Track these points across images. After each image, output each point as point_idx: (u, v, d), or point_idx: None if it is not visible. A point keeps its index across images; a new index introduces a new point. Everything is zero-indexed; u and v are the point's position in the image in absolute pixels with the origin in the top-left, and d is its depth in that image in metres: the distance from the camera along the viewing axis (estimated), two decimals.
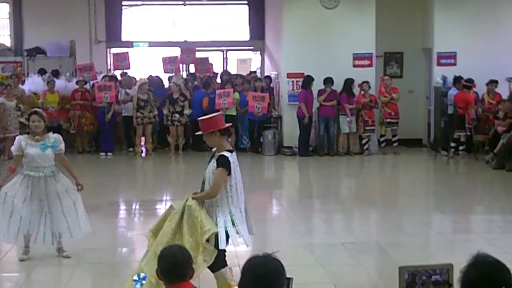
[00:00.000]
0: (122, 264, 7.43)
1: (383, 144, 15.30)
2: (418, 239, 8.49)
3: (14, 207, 7.12)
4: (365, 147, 15.17)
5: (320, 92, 14.91)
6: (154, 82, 16.48)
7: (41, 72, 16.51)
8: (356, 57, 15.34)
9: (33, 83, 15.61)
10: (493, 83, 14.69)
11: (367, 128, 15.05)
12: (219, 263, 5.65)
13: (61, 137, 7.44)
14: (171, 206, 5.91)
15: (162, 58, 17.02)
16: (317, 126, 15.17)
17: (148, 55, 19.08)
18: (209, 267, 5.64)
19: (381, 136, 15.32)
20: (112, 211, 10.15)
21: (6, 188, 7.18)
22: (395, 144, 15.26)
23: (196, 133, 6.20)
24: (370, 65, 15.41)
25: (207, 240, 5.56)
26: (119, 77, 16.68)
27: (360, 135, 15.21)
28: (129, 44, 18.17)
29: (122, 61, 16.79)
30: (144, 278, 5.26)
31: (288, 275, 3.10)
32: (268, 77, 16.86)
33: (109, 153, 15.14)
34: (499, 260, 2.97)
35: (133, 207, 10.59)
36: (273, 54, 17.33)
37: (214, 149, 5.88)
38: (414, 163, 14.77)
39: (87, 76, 15.94)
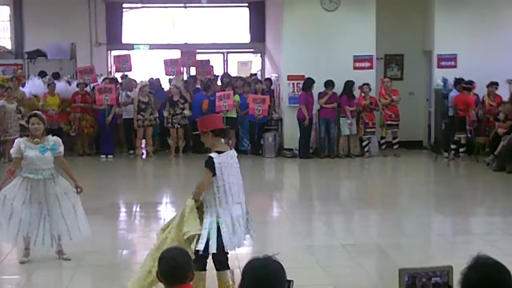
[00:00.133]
0: (123, 266, 7.44)
1: (383, 146, 15.31)
2: (418, 241, 8.48)
3: (13, 209, 7.12)
4: (366, 149, 15.17)
5: (321, 95, 14.91)
6: (153, 84, 16.50)
7: (42, 74, 16.53)
8: (357, 59, 15.34)
9: (33, 86, 15.63)
10: (493, 85, 14.70)
11: (367, 130, 15.05)
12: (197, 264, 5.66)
13: (60, 140, 7.43)
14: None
15: (164, 60, 17.03)
16: (317, 128, 15.17)
17: (149, 58, 19.08)
18: None
19: (382, 138, 15.32)
20: (113, 213, 10.15)
21: (5, 190, 7.18)
22: (396, 146, 15.26)
23: (193, 133, 6.25)
24: (370, 67, 15.42)
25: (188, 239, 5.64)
26: (119, 80, 16.71)
27: (361, 137, 15.21)
28: (130, 47, 18.17)
29: (123, 63, 16.80)
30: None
31: (288, 277, 3.10)
32: (269, 79, 16.87)
33: (109, 156, 15.15)
34: (499, 262, 2.97)
35: (134, 209, 10.59)
36: (274, 56, 17.34)
37: None
38: (414, 165, 14.77)
39: (87, 79, 15.95)
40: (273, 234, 8.93)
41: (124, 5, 18.56)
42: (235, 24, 19.14)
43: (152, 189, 12.67)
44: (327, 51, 15.15)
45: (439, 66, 15.51)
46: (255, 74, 18.19)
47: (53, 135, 7.57)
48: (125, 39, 18.44)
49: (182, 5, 18.83)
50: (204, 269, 5.77)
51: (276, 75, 16.63)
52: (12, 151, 7.33)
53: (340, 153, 15.12)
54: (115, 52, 17.86)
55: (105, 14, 18.10)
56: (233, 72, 18.94)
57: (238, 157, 5.92)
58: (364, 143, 15.20)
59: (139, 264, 7.53)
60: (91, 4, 17.86)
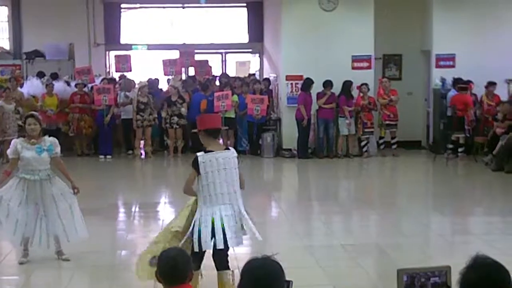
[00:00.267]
0: (122, 267, 7.43)
1: (382, 146, 15.31)
2: (417, 241, 8.49)
3: (9, 210, 7.12)
4: (364, 149, 15.18)
5: (319, 95, 14.92)
6: (152, 85, 16.50)
7: (40, 75, 16.51)
8: (355, 59, 15.35)
9: (31, 86, 15.62)
10: (491, 85, 14.71)
11: (366, 130, 15.06)
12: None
13: (57, 141, 7.42)
14: None
15: (162, 60, 17.03)
16: (316, 128, 15.18)
17: (147, 58, 19.07)
18: None
19: (380, 138, 15.33)
20: (112, 213, 10.14)
21: (1, 191, 7.18)
22: (394, 146, 15.27)
23: (192, 130, 6.30)
24: (369, 67, 15.43)
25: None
26: (117, 80, 16.70)
27: (359, 137, 15.22)
28: (128, 47, 18.17)
29: (124, 63, 16.80)
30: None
31: (287, 277, 3.10)
32: (267, 79, 16.86)
33: (108, 156, 15.15)
34: (498, 261, 2.97)
35: (133, 209, 10.59)
36: (272, 56, 17.34)
37: None
38: (413, 165, 14.79)
39: (85, 79, 15.95)
40: (272, 234, 8.93)
41: (122, 5, 18.55)
42: (233, 24, 19.14)
43: (151, 190, 12.68)
44: (325, 51, 15.15)
45: (438, 66, 15.53)
46: (254, 74, 18.19)
47: (51, 136, 7.56)
48: (123, 40, 18.43)
49: (180, 5, 18.83)
50: (196, 269, 5.79)
51: (275, 75, 16.63)
52: (8, 152, 7.32)
53: (338, 153, 15.13)
54: (115, 53, 17.85)
55: (103, 14, 18.09)
56: (231, 72, 18.96)
57: (238, 158, 5.86)
58: (363, 143, 15.20)
59: None
60: (89, 5, 17.85)
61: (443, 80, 15.29)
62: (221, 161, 5.69)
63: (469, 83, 14.58)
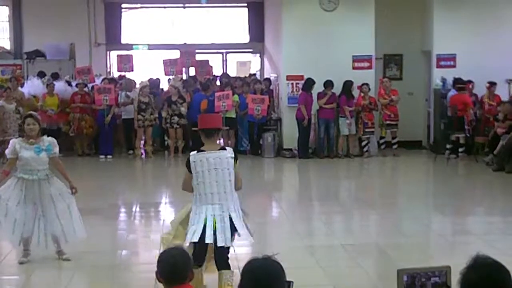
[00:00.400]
0: (122, 267, 7.43)
1: (382, 146, 15.31)
2: (418, 241, 8.49)
3: (8, 209, 7.12)
4: (365, 149, 15.18)
5: (320, 95, 14.92)
6: (153, 84, 16.50)
7: (41, 75, 16.52)
8: (356, 59, 15.35)
9: (32, 86, 15.62)
10: (492, 85, 14.71)
11: (366, 130, 15.06)
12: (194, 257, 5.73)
13: (55, 141, 7.41)
14: None
15: (163, 60, 17.04)
16: (317, 128, 15.18)
17: (148, 58, 19.07)
18: None
19: (381, 138, 15.33)
20: (112, 213, 10.14)
21: (0, 190, 7.18)
22: (395, 146, 15.27)
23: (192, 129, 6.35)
24: (369, 67, 15.43)
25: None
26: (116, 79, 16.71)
27: (360, 137, 15.22)
28: (129, 47, 18.17)
29: (125, 63, 16.81)
30: None
31: (288, 278, 3.10)
32: (268, 79, 16.87)
33: (108, 156, 15.15)
34: (498, 261, 2.97)
35: (133, 209, 10.59)
36: (273, 56, 17.34)
37: None
38: (414, 165, 14.78)
39: (85, 79, 15.95)
40: (272, 234, 8.93)
41: (123, 5, 18.55)
42: (234, 24, 19.14)
43: (152, 189, 12.69)
44: (326, 51, 15.15)
45: (438, 66, 15.53)
46: (254, 74, 18.19)
47: (52, 136, 7.56)
48: (124, 39, 18.44)
49: (181, 5, 18.83)
50: (201, 262, 5.84)
51: (275, 75, 16.63)
52: (7, 151, 7.31)
53: (339, 153, 15.13)
54: (117, 52, 17.85)
55: (104, 14, 18.09)
56: (232, 72, 18.95)
57: (233, 158, 5.76)
58: (363, 143, 15.20)
59: (138, 265, 7.58)
60: (90, 5, 17.86)
61: (443, 80, 15.29)
62: (211, 161, 5.69)
63: (467, 83, 14.58)
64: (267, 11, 17.97)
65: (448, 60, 15.46)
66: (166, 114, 15.20)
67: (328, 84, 14.79)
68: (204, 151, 5.76)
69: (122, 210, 10.79)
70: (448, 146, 14.23)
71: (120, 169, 14.40)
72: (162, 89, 16.82)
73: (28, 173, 7.14)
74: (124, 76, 16.80)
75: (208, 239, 5.63)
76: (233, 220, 5.71)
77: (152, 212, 10.49)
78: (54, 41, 17.59)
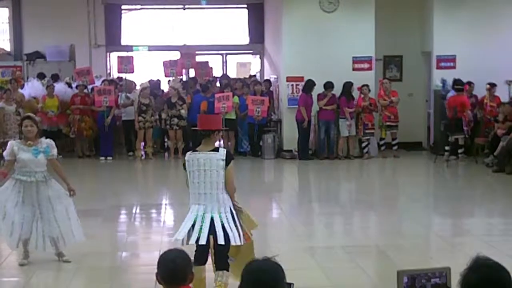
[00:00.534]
0: (122, 268, 7.44)
1: (383, 148, 15.31)
2: (418, 242, 8.49)
3: (5, 212, 7.11)
4: (365, 150, 15.18)
5: (320, 97, 14.93)
6: (153, 86, 16.52)
7: (41, 76, 16.52)
8: (356, 60, 15.36)
9: (32, 88, 15.62)
10: (492, 86, 14.70)
11: (366, 131, 15.06)
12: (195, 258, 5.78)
13: (53, 143, 7.40)
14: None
15: (163, 62, 17.04)
16: (317, 129, 15.18)
17: (148, 59, 19.07)
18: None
19: (381, 139, 15.32)
20: (112, 215, 10.13)
21: None
22: (395, 148, 15.26)
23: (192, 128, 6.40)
24: (369, 69, 15.43)
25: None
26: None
27: (360, 138, 15.22)
28: (129, 48, 18.17)
29: (126, 64, 16.80)
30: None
31: (288, 279, 3.10)
32: (268, 80, 16.87)
33: (108, 158, 15.15)
34: (499, 263, 2.97)
35: (133, 211, 10.58)
36: (273, 57, 17.35)
37: None
38: (414, 166, 14.78)
39: (84, 80, 15.95)
40: (272, 236, 8.92)
41: (123, 6, 18.56)
42: (234, 25, 19.14)
43: (152, 191, 12.68)
44: (326, 52, 15.15)
45: (438, 67, 15.53)
46: (254, 76, 18.18)
47: (52, 137, 7.56)
48: (124, 41, 18.44)
49: (181, 6, 18.84)
50: (201, 262, 5.87)
51: (275, 77, 16.64)
52: (5, 153, 7.29)
53: (339, 154, 15.13)
54: (117, 54, 17.84)
55: (104, 15, 18.09)
56: (232, 73, 18.96)
57: (224, 160, 5.74)
58: (364, 144, 15.20)
59: (138, 266, 7.58)
60: (90, 6, 17.87)
61: (443, 81, 15.28)
62: (201, 162, 5.75)
63: (465, 84, 14.57)
64: (267, 12, 17.98)
65: (448, 61, 15.46)
66: (166, 116, 15.21)
67: (328, 85, 14.79)
68: (197, 151, 5.85)
69: (122, 211, 10.78)
70: (446, 148, 14.22)
71: (120, 170, 14.40)
72: (162, 90, 16.82)
73: (26, 175, 7.13)
74: (121, 78, 16.82)
75: (192, 240, 5.71)
76: (214, 221, 5.72)
77: (152, 213, 10.48)
78: (54, 42, 17.61)
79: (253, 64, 19.75)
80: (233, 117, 15.25)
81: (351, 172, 14.41)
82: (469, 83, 14.80)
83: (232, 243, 5.74)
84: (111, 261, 7.63)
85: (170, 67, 16.87)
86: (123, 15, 18.60)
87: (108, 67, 18.41)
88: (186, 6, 18.77)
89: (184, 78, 17.61)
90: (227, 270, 5.84)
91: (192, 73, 17.83)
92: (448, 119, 14.37)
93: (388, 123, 15.14)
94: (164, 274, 3.58)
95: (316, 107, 15.01)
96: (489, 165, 13.47)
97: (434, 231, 9.24)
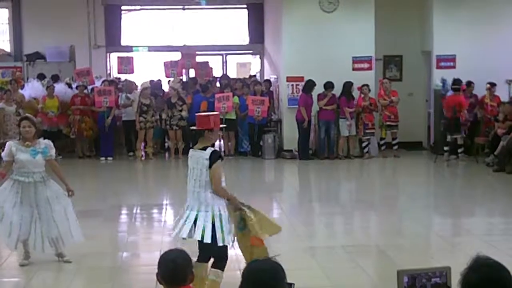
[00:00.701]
0: (123, 268, 7.44)
1: (383, 147, 15.31)
2: (418, 242, 8.49)
3: (4, 212, 7.11)
4: (365, 150, 15.18)
5: (320, 97, 14.93)
6: (154, 86, 16.52)
7: (41, 77, 16.52)
8: (356, 60, 15.35)
9: (32, 88, 15.61)
10: (492, 85, 14.70)
11: (367, 131, 15.06)
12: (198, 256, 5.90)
13: (51, 143, 7.40)
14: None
15: (164, 62, 17.04)
16: (317, 129, 15.18)
17: (148, 60, 19.07)
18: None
19: (381, 139, 15.32)
20: (113, 215, 10.14)
21: None
22: (395, 147, 15.26)
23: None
24: (369, 68, 15.43)
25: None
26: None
27: (360, 138, 15.22)
28: (129, 49, 18.17)
29: (126, 65, 16.81)
30: None
31: (288, 279, 3.10)
32: (268, 80, 16.87)
33: (109, 158, 15.15)
34: (499, 262, 2.97)
35: (134, 211, 10.58)
36: (273, 57, 17.35)
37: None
38: (414, 166, 14.77)
39: (84, 81, 15.96)
40: (273, 236, 8.91)
41: (123, 7, 18.55)
42: (234, 25, 19.14)
43: (152, 191, 12.69)
44: (326, 52, 15.15)
45: (438, 67, 15.52)
46: (254, 76, 18.18)
47: (53, 138, 7.55)
48: (124, 41, 18.44)
49: (181, 7, 18.83)
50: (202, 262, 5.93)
51: (275, 77, 16.64)
52: (3, 154, 7.29)
53: (339, 154, 15.13)
54: (117, 54, 17.85)
55: (104, 16, 18.09)
56: (232, 73, 18.95)
57: (209, 160, 5.76)
58: (364, 144, 15.20)
59: (139, 266, 7.59)
60: (90, 7, 17.87)
61: (443, 81, 15.27)
62: (193, 160, 5.88)
63: (462, 84, 14.57)
64: (267, 13, 17.98)
65: (448, 61, 15.45)
66: (166, 116, 15.21)
67: (329, 85, 14.79)
68: (193, 148, 5.98)
69: (123, 212, 10.78)
70: (445, 148, 14.22)
71: (121, 171, 14.40)
72: (163, 90, 16.83)
73: (24, 176, 7.13)
74: (120, 78, 16.82)
75: (182, 234, 5.83)
76: (197, 219, 5.79)
77: (152, 213, 10.48)
78: (54, 43, 17.61)
79: (253, 64, 19.75)
80: (233, 117, 15.25)
81: (351, 172, 14.41)
82: (469, 82, 14.80)
83: (198, 238, 5.78)
84: (111, 261, 7.64)
85: (171, 68, 16.89)
86: (123, 16, 18.60)
87: (108, 67, 18.41)
88: (186, 7, 18.77)
89: (184, 78, 17.61)
90: (222, 270, 5.83)
91: (192, 73, 17.83)
92: (447, 118, 14.37)
93: (388, 123, 15.14)
94: (165, 274, 3.59)
95: (316, 107, 15.01)
96: (489, 165, 13.47)
97: (435, 231, 9.24)
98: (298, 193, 12.44)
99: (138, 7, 18.96)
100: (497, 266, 2.94)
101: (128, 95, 15.60)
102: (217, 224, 5.75)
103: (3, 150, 7.40)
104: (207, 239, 5.72)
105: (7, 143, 7.40)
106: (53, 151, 7.33)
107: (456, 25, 15.33)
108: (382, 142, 15.33)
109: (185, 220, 5.83)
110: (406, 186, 12.84)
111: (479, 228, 9.20)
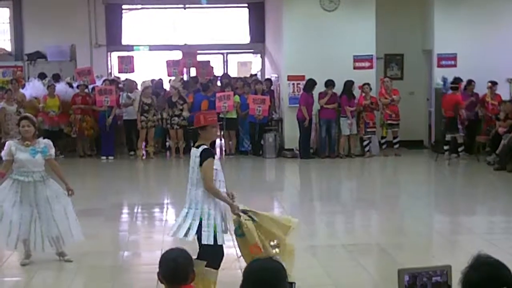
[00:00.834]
0: (124, 268, 7.44)
1: (384, 146, 15.30)
2: (419, 241, 8.49)
3: (3, 212, 7.11)
4: (366, 149, 15.17)
5: (321, 95, 14.92)
6: (156, 85, 16.53)
7: (41, 76, 16.53)
8: (357, 59, 15.35)
9: (33, 88, 15.62)
10: (493, 84, 14.69)
11: (368, 130, 15.06)
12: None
13: (51, 143, 7.40)
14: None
15: (166, 61, 17.05)
16: (318, 128, 15.18)
17: (149, 59, 19.07)
18: None
19: (382, 138, 15.32)
20: (114, 214, 10.15)
21: None
22: (396, 146, 15.26)
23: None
24: (370, 67, 15.43)
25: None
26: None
27: (361, 137, 15.22)
28: (130, 48, 18.17)
29: (126, 64, 16.82)
30: None
31: (289, 278, 3.10)
32: (269, 79, 16.87)
33: (110, 157, 15.15)
34: (500, 261, 2.97)
35: (135, 210, 10.59)
36: (274, 56, 17.35)
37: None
38: (415, 164, 14.77)
39: (85, 80, 15.96)
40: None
41: (124, 6, 18.55)
42: (235, 24, 19.14)
43: (153, 190, 12.69)
44: (327, 51, 15.15)
45: (439, 66, 15.52)
46: (255, 75, 18.19)
47: (54, 137, 7.55)
48: (125, 41, 18.44)
49: (182, 6, 18.84)
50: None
51: (276, 76, 16.63)
52: (2, 153, 7.29)
53: (340, 153, 15.13)
54: (118, 53, 17.86)
55: (105, 15, 18.09)
56: (233, 72, 18.95)
57: (199, 157, 5.77)
58: (365, 143, 15.20)
59: (140, 266, 7.59)
60: (90, 6, 17.87)
61: (444, 80, 15.27)
62: (192, 158, 5.89)
63: (459, 82, 14.55)
64: (268, 12, 17.98)
65: (449, 60, 15.45)
66: (167, 115, 15.21)
67: (329, 84, 14.79)
68: (192, 146, 6.09)
69: (124, 211, 10.80)
70: (445, 147, 14.21)
71: (122, 170, 14.41)
72: (165, 89, 16.83)
73: (24, 175, 7.13)
74: (119, 77, 16.82)
75: (177, 234, 5.83)
76: (186, 217, 5.81)
77: (153, 213, 10.48)
78: (55, 42, 17.61)
79: (254, 63, 19.74)
80: (234, 116, 15.26)
81: (352, 170, 14.41)
82: (470, 81, 14.79)
83: (180, 236, 5.79)
84: (112, 261, 7.64)
85: (172, 67, 16.90)
86: (123, 15, 18.60)
87: (109, 67, 18.41)
88: (187, 6, 18.77)
89: (185, 77, 17.62)
90: (215, 269, 5.78)
91: (193, 72, 17.84)
92: (446, 117, 14.37)
93: (389, 122, 15.14)
94: (166, 273, 3.59)
95: (317, 106, 15.01)
96: (490, 163, 13.46)
97: (435, 229, 9.24)
98: (299, 192, 12.44)
99: (139, 6, 18.96)
100: (498, 265, 2.94)
101: (129, 94, 15.61)
102: (204, 223, 5.72)
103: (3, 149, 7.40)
104: (190, 237, 5.74)
105: (7, 143, 7.41)
106: (52, 151, 7.33)
107: (457, 24, 15.32)
108: (383, 141, 15.33)
109: (180, 220, 5.86)
110: (407, 184, 12.84)
111: (480, 226, 9.20)
